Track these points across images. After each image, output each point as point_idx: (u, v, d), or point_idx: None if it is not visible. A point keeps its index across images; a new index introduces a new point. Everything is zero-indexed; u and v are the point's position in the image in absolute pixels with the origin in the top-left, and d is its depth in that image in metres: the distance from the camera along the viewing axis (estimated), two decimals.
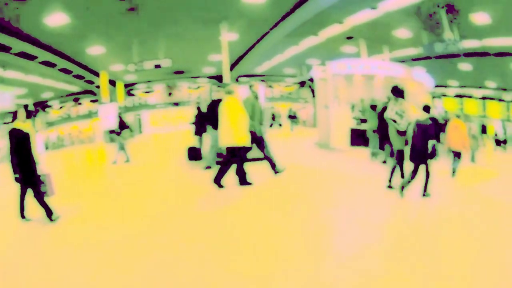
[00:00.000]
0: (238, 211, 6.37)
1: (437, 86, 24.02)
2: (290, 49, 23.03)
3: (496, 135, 26.29)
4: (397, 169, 7.43)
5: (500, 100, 29.45)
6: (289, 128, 26.77)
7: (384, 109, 11.21)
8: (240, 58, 24.13)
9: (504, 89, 27.83)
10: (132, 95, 34.04)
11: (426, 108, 7.12)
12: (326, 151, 13.60)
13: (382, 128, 11.29)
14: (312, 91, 35.27)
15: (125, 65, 21.24)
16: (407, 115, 7.15)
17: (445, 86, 30.91)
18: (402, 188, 6.81)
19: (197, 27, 17.15)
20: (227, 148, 7.70)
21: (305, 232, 5.19)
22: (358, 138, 13.98)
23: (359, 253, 4.38)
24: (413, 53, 21.12)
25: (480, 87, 29.66)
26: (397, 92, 7.43)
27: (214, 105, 9.96)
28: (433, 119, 7.34)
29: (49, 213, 5.99)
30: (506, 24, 15.63)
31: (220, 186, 7.72)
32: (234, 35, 18.08)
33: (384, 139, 11.48)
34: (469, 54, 20.41)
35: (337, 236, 5.18)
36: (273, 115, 32.18)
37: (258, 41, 19.83)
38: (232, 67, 24.82)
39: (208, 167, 10.16)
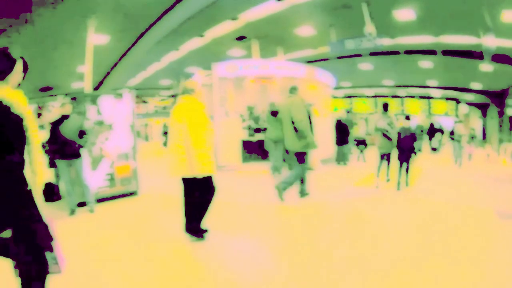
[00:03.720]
0: None
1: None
2: (169, 55, 19.89)
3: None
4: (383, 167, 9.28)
5: (394, 96, 30.77)
6: (162, 145, 24.14)
7: None
8: (113, 67, 20.00)
9: (406, 86, 28.84)
10: None
11: (408, 117, 9.21)
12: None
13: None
14: None
15: None
16: (394, 125, 8.95)
17: (338, 88, 30.98)
18: (399, 183, 8.75)
19: (62, 27, 13.37)
20: (185, 180, 4.95)
21: None
22: (253, 151, 12.24)
23: None
24: (309, 54, 19.63)
25: (370, 86, 30.37)
26: (386, 107, 9.44)
27: (57, 124, 7.07)
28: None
29: None
30: (430, 22, 14.83)
31: (202, 232, 5.09)
32: (104, 38, 14.67)
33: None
34: (375, 53, 19.62)
35: None
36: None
37: (133, 44, 16.35)
38: (104, 79, 21.09)
39: (74, 211, 7.01)
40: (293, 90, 7.23)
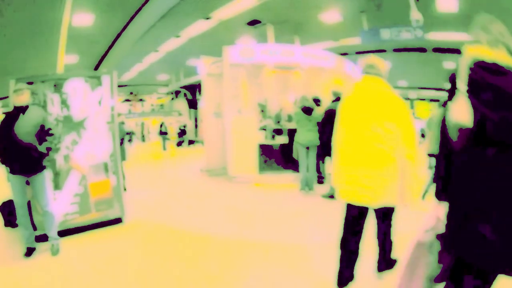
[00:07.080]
0: None
1: None
2: (167, 43, 17.20)
3: None
4: None
5: (406, 99, 29.07)
6: (161, 147, 22.29)
7: (329, 112, 6.67)
8: (103, 56, 17.00)
9: (420, 88, 27.10)
10: None
11: None
12: (224, 183, 9.00)
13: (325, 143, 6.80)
14: (188, 100, 30.53)
15: None
16: None
17: None
18: None
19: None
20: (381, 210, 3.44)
21: None
22: (273, 158, 10.06)
23: None
24: (329, 46, 17.28)
25: None
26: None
27: (10, 121, 4.64)
28: None
29: None
30: (469, 17, 12.45)
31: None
32: (88, 17, 12.09)
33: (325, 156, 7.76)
34: (398, 49, 18.10)
35: None
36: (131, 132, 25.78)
37: (124, 28, 13.50)
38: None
39: (32, 250, 4.61)
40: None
